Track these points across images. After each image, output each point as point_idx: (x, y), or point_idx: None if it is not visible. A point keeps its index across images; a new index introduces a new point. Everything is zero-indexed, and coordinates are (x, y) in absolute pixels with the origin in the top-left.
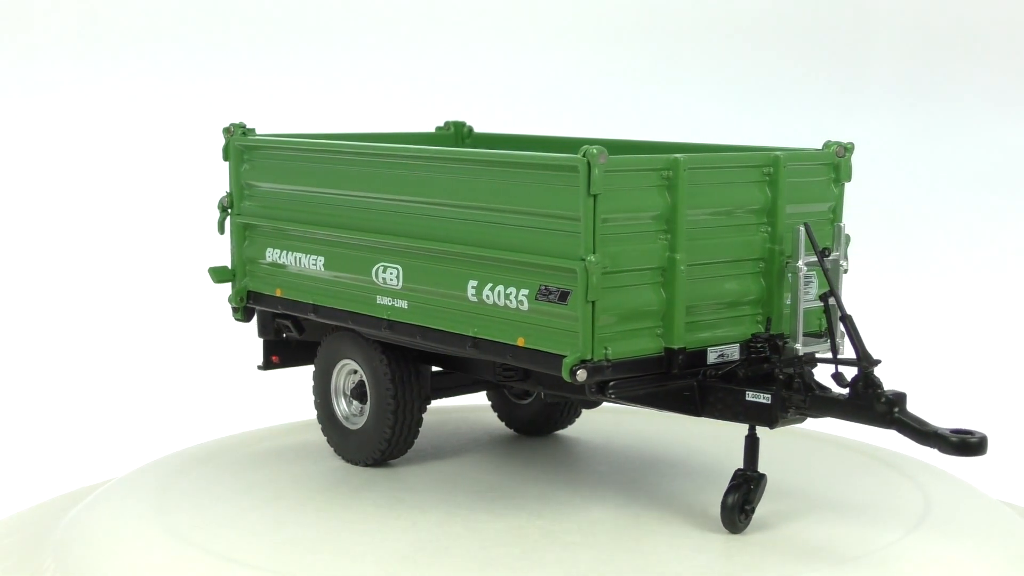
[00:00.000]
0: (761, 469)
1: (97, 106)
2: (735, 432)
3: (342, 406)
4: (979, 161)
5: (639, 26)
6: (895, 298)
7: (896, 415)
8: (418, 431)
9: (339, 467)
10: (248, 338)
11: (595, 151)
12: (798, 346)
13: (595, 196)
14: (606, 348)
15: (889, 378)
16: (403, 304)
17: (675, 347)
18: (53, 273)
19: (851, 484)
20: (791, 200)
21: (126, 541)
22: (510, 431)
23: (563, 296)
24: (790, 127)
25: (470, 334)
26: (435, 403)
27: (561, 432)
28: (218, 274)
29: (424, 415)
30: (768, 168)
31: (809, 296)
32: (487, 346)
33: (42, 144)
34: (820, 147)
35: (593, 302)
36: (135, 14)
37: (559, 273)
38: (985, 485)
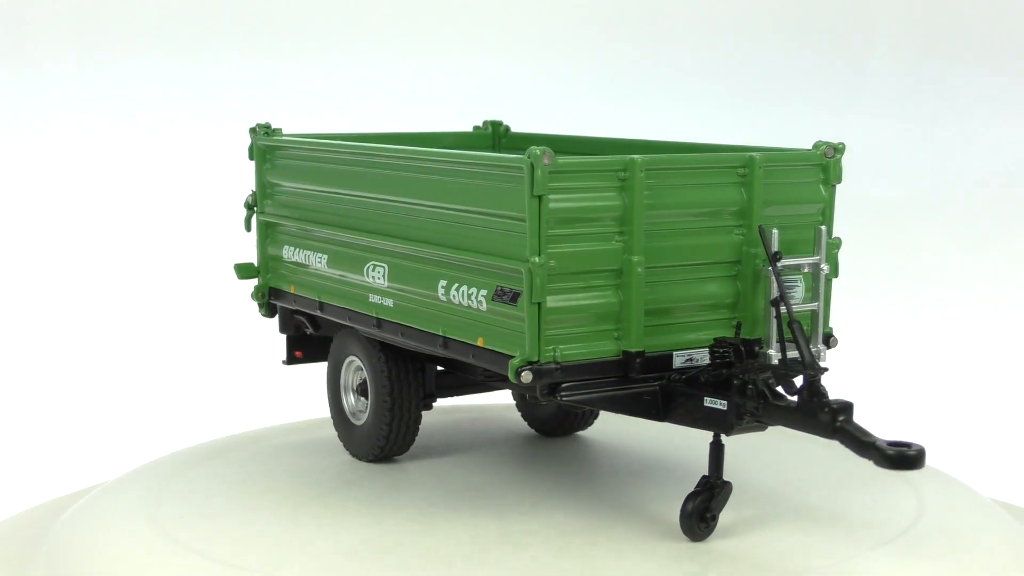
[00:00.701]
0: (755, 471)
1: (141, 100)
2: (751, 439)
3: (349, 401)
4: (978, 162)
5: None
6: (894, 299)
7: (839, 425)
8: (417, 429)
9: (333, 464)
10: (255, 336)
11: (539, 152)
12: (772, 352)
13: (540, 197)
14: (555, 350)
15: (886, 378)
16: (389, 302)
17: (633, 351)
18: (69, 273)
19: (841, 488)
20: (773, 202)
21: (113, 542)
22: (531, 432)
23: (514, 297)
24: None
25: (440, 333)
26: (464, 400)
27: (581, 433)
28: (243, 271)
29: (458, 414)
30: (742, 169)
31: (793, 301)
32: (454, 346)
33: (73, 144)
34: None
35: (539, 304)
36: (175, 8)
37: (511, 274)
38: (993, 487)
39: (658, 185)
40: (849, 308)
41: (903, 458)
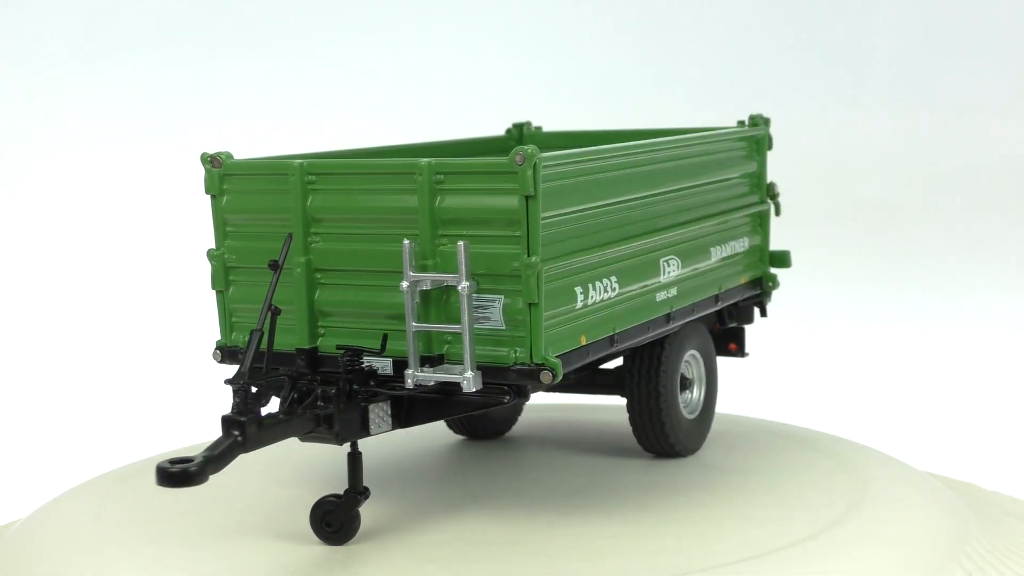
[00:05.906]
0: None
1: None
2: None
3: None
4: (979, 163)
5: None
6: (893, 298)
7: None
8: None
9: (297, 476)
10: None
11: (208, 155)
12: (410, 371)
13: (213, 196)
14: (235, 336)
15: (885, 378)
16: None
17: (297, 348)
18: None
19: (770, 479)
20: (452, 213)
21: (58, 553)
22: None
23: None
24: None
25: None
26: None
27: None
28: None
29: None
30: (417, 176)
31: (491, 322)
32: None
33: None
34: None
35: (221, 292)
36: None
37: None
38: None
39: (335, 189)
40: (847, 308)
41: (184, 474)
